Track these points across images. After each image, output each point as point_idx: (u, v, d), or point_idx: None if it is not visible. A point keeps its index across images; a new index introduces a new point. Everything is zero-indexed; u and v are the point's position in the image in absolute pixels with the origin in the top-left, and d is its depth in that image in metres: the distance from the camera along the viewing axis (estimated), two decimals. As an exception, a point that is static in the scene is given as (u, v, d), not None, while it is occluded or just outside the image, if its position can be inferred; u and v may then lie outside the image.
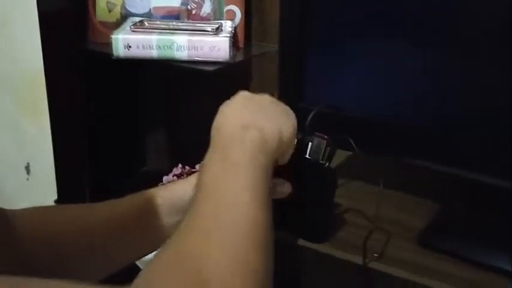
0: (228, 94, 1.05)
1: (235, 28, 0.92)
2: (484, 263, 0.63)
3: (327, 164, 0.61)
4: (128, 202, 0.63)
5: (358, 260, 0.63)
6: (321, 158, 0.61)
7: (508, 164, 0.62)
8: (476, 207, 0.72)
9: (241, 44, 0.95)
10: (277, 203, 0.67)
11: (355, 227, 0.69)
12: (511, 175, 0.62)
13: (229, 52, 0.85)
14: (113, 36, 0.87)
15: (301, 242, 0.66)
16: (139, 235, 0.62)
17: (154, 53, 0.86)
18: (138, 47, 0.86)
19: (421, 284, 0.61)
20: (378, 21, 0.67)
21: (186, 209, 0.60)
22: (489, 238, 0.66)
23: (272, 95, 0.99)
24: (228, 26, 0.91)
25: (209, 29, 0.87)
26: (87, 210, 0.63)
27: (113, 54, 0.88)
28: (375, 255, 0.63)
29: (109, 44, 0.88)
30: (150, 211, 0.62)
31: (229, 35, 0.86)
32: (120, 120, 1.12)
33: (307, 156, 0.61)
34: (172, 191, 0.63)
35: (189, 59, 0.86)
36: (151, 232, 0.62)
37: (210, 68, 0.85)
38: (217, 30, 0.87)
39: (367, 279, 0.63)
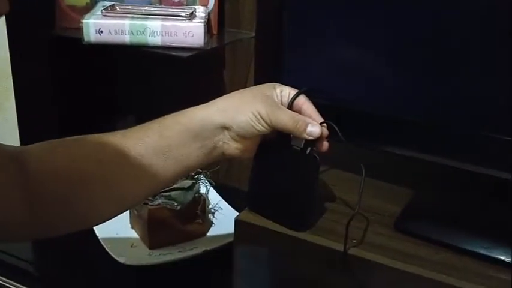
0: (202, 80, 1.06)
1: (208, 14, 0.92)
2: (458, 247, 0.64)
3: (309, 150, 0.61)
4: (145, 131, 0.60)
5: (337, 246, 0.63)
6: (302, 144, 0.61)
7: (482, 151, 0.63)
8: (449, 193, 0.74)
9: (214, 31, 0.95)
10: (255, 188, 0.68)
11: (332, 213, 0.70)
12: (484, 161, 0.63)
13: (204, 38, 0.85)
14: (84, 21, 0.85)
15: (280, 228, 0.66)
16: (159, 166, 0.59)
17: (126, 39, 0.85)
18: (110, 32, 0.84)
19: (397, 268, 0.62)
20: (359, 4, 0.67)
21: (207, 136, 0.59)
22: (462, 223, 0.68)
23: (245, 81, 1.00)
24: (201, 11, 0.90)
25: (183, 14, 0.86)
26: (102, 142, 0.59)
27: (83, 40, 0.86)
28: (353, 241, 0.64)
29: (79, 29, 0.86)
30: (169, 139, 0.59)
31: (203, 21, 0.85)
32: (93, 108, 1.10)
33: (292, 143, 0.61)
34: (192, 117, 0.60)
35: (163, 44, 0.85)
36: (170, 161, 0.59)
37: (185, 54, 0.84)
38: (191, 16, 0.86)
39: (345, 265, 0.63)
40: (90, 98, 1.09)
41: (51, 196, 0.56)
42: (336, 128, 0.60)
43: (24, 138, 1.00)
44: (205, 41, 0.85)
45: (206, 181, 0.90)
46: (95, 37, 0.85)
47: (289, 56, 0.73)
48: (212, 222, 0.91)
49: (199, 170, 0.88)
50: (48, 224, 0.57)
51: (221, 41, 0.96)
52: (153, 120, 0.60)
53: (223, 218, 0.90)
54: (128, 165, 0.58)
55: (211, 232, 0.89)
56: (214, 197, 0.94)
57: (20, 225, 0.55)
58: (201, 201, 0.87)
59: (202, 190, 0.89)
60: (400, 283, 0.62)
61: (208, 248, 0.84)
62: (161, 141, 0.59)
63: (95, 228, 0.85)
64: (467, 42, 0.61)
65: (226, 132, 0.60)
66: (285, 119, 0.59)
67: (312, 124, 0.60)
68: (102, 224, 0.84)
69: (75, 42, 0.87)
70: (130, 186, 0.59)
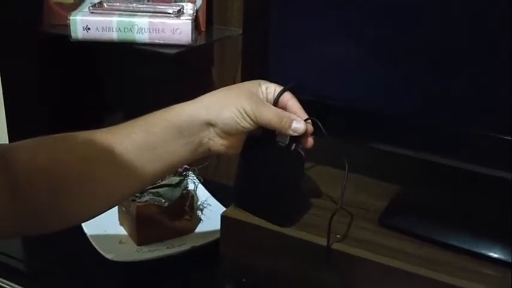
0: (190, 77, 1.06)
1: (196, 11, 0.92)
2: (442, 242, 0.65)
3: (294, 146, 0.61)
4: (132, 128, 0.60)
5: (321, 241, 0.63)
6: (287, 141, 0.61)
7: (466, 147, 0.64)
8: (434, 188, 0.74)
9: (202, 28, 0.95)
10: (242, 184, 0.68)
11: (318, 209, 0.70)
12: (468, 157, 0.64)
13: (192, 35, 0.85)
14: (71, 18, 0.85)
15: (266, 224, 0.67)
16: (145, 162, 0.59)
17: (114, 35, 0.85)
18: (97, 29, 0.84)
19: (381, 263, 0.62)
20: (344, 3, 0.67)
21: (193, 132, 0.60)
22: (446, 218, 0.68)
23: (234, 79, 1.00)
24: (189, 8, 0.90)
25: (170, 11, 0.86)
26: (88, 138, 0.59)
27: (71, 37, 0.86)
28: (338, 236, 0.64)
29: (66, 26, 0.86)
30: (155, 136, 0.59)
31: (191, 18, 0.85)
32: (81, 104, 1.09)
33: (277, 140, 0.62)
34: (179, 114, 0.60)
35: (151, 41, 0.85)
36: (156, 157, 0.59)
37: (172, 51, 0.84)
38: (179, 13, 0.86)
39: (329, 260, 0.64)
40: (79, 95, 1.09)
41: (37, 194, 0.56)
42: (319, 124, 0.60)
43: (13, 136, 1.00)
44: (193, 38, 0.85)
45: (194, 177, 0.90)
46: (82, 34, 0.85)
47: (276, 53, 0.73)
48: (200, 219, 0.91)
49: (187, 166, 0.88)
50: (35, 221, 0.57)
51: (209, 38, 0.96)
52: (140, 117, 0.61)
53: (212, 215, 0.90)
54: (114, 162, 0.58)
55: (200, 228, 0.89)
56: (202, 194, 0.94)
57: (7, 222, 0.55)
58: (189, 198, 0.87)
59: (191, 187, 0.89)
60: (384, 277, 0.62)
61: (196, 244, 0.84)
62: (147, 138, 0.59)
63: (83, 225, 0.85)
64: (456, 37, 0.62)
65: (211, 129, 0.60)
66: (270, 116, 0.59)
67: (296, 120, 0.60)
68: (91, 221, 0.83)
69: (63, 39, 0.87)
70: (116, 183, 0.59)
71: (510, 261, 0.62)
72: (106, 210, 0.62)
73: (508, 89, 0.60)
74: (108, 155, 0.58)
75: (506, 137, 0.60)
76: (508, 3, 0.57)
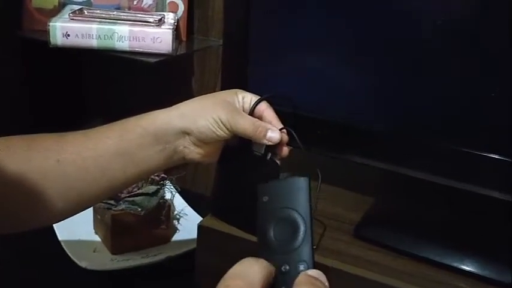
0: (170, 86, 1.06)
1: (177, 21, 0.92)
2: (415, 254, 0.66)
3: (269, 156, 0.61)
4: (106, 133, 0.59)
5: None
6: (263, 150, 0.61)
7: (438, 161, 0.65)
8: (408, 201, 0.75)
9: (183, 37, 0.95)
10: (218, 194, 0.68)
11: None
12: (441, 171, 0.65)
13: (172, 44, 0.85)
14: (51, 24, 0.85)
15: (242, 234, 0.67)
16: (118, 167, 0.59)
17: (94, 43, 0.85)
18: (77, 35, 0.84)
19: (355, 274, 0.62)
20: (320, 16, 0.68)
21: (167, 140, 0.59)
22: (420, 231, 0.69)
23: (214, 88, 1.00)
24: (170, 18, 0.90)
25: (151, 20, 0.86)
26: (61, 140, 0.58)
27: (50, 43, 0.85)
28: (314, 247, 0.64)
29: (46, 32, 0.85)
30: (130, 142, 0.59)
31: (172, 27, 0.85)
32: (60, 111, 1.08)
33: (253, 149, 0.62)
34: (154, 121, 0.60)
35: (131, 49, 0.85)
36: (129, 163, 0.59)
37: (152, 60, 0.84)
38: (160, 22, 0.87)
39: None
40: (57, 101, 1.08)
41: (7, 193, 0.55)
42: (294, 134, 0.61)
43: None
44: (174, 47, 0.86)
45: (172, 187, 0.90)
46: (61, 40, 0.85)
47: (255, 64, 0.73)
48: (177, 228, 0.90)
49: (164, 175, 0.88)
50: (4, 220, 0.56)
51: (190, 48, 0.96)
52: (115, 122, 0.60)
53: (188, 224, 0.89)
54: (86, 165, 0.58)
55: (176, 238, 0.89)
56: (179, 203, 0.94)
57: None
58: (165, 207, 0.86)
59: (168, 196, 0.88)
60: (359, 289, 0.63)
61: (172, 254, 0.83)
62: (121, 143, 0.59)
63: (57, 231, 0.84)
64: (430, 51, 0.63)
65: (187, 137, 0.60)
66: (245, 125, 0.60)
67: (271, 130, 0.60)
68: (65, 228, 0.83)
69: (42, 45, 0.86)
70: (88, 187, 0.59)
71: (482, 274, 0.63)
72: (75, 213, 0.61)
73: (479, 105, 0.61)
74: (81, 159, 0.58)
75: (479, 153, 0.61)
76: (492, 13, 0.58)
